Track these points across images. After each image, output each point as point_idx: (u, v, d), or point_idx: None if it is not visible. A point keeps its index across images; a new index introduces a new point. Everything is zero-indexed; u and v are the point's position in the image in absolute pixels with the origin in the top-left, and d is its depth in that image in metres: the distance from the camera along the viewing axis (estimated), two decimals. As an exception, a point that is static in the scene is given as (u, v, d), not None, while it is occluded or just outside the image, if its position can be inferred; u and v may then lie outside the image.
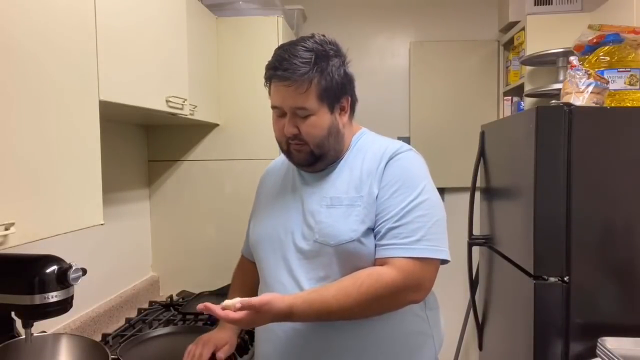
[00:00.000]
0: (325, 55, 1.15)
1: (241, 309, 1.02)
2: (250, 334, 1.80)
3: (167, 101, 1.59)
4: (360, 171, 1.19)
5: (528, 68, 2.59)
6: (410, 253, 1.10)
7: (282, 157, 1.34)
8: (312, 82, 1.13)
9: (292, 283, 1.18)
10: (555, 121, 1.57)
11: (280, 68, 1.13)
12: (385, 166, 1.17)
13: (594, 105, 1.63)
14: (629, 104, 1.69)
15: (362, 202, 1.15)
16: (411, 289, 1.11)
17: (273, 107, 1.19)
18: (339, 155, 1.23)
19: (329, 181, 1.22)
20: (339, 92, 1.18)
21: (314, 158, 1.18)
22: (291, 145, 1.18)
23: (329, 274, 1.15)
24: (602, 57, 1.73)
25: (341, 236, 1.12)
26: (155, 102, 1.53)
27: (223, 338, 1.34)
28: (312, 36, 1.18)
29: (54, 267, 1.06)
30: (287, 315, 1.06)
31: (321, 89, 1.14)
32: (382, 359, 1.16)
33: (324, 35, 1.20)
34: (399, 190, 1.14)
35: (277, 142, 1.23)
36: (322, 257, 1.15)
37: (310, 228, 1.17)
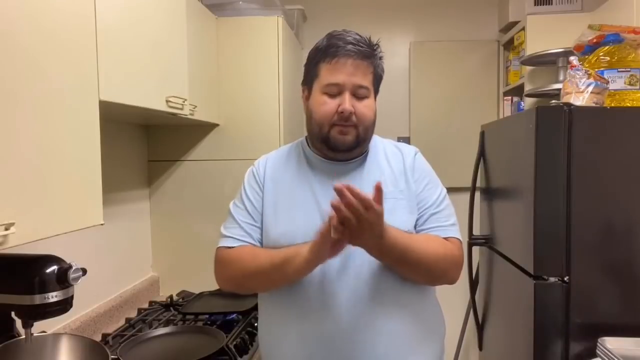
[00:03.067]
0: (376, 47, 1.22)
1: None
2: (250, 334, 1.80)
3: (167, 101, 1.59)
4: (391, 168, 1.25)
5: (528, 68, 2.59)
6: (454, 234, 1.24)
7: (280, 152, 1.34)
8: (373, 65, 1.19)
9: (337, 278, 1.15)
10: (555, 121, 1.57)
11: (352, 44, 1.15)
12: (413, 164, 1.26)
13: (594, 105, 1.63)
14: (629, 104, 1.69)
15: (404, 196, 1.22)
16: (460, 264, 1.24)
17: (329, 85, 1.16)
18: (366, 148, 1.26)
19: (362, 177, 1.22)
20: (379, 85, 1.26)
21: (356, 142, 1.19)
22: (335, 128, 1.16)
23: (373, 266, 1.15)
24: (602, 57, 1.73)
25: (399, 227, 1.12)
26: (155, 102, 1.54)
27: None
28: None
29: (54, 267, 1.06)
30: (383, 233, 1.04)
31: (375, 76, 1.21)
32: (411, 347, 1.19)
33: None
34: (429, 184, 1.25)
35: (317, 125, 1.18)
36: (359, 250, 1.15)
37: None
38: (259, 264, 1.15)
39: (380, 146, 1.29)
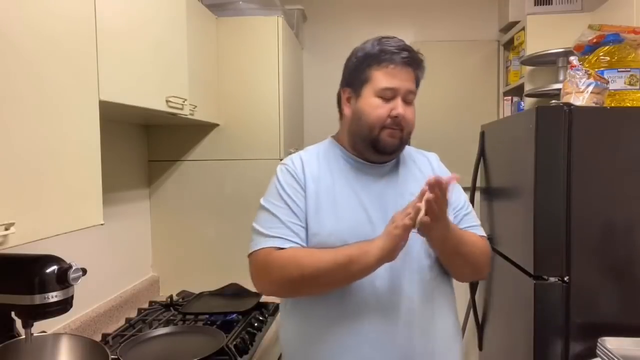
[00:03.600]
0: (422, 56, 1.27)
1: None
2: (250, 334, 1.80)
3: (167, 101, 1.59)
4: (421, 173, 1.30)
5: (528, 68, 2.59)
6: (484, 233, 1.31)
7: (312, 153, 1.32)
8: (418, 72, 1.24)
9: (389, 276, 1.17)
10: (555, 121, 1.57)
11: (406, 50, 1.20)
12: (439, 168, 1.34)
13: (594, 105, 1.63)
14: (629, 104, 1.69)
15: None
16: (490, 261, 1.30)
17: (385, 90, 1.19)
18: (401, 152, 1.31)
19: (397, 180, 1.27)
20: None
21: (400, 145, 1.24)
22: (386, 131, 1.20)
23: (422, 264, 1.20)
24: (602, 57, 1.73)
25: None
26: (155, 102, 1.54)
27: None
28: None
29: (54, 267, 1.06)
30: (448, 223, 1.12)
31: (418, 83, 1.26)
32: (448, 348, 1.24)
33: None
34: (454, 187, 1.28)
35: (368, 128, 1.20)
36: (413, 247, 1.18)
37: None
38: (321, 264, 1.12)
39: (405, 151, 1.32)
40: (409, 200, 1.13)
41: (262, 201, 1.26)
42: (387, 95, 1.19)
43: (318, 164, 1.27)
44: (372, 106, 1.20)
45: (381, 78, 1.19)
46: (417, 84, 1.25)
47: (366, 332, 1.16)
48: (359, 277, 1.12)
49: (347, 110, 1.27)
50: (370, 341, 1.15)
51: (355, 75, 1.24)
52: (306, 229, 1.21)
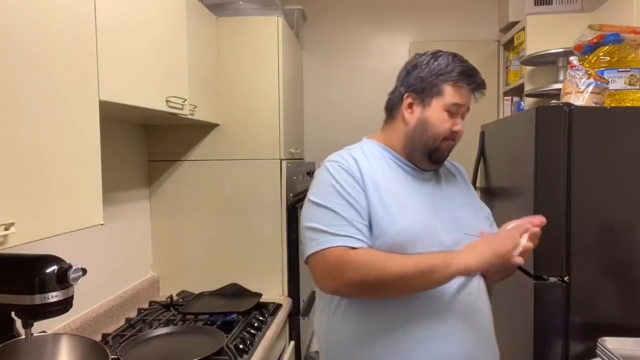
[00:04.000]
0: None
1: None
2: (250, 334, 1.80)
3: (167, 101, 1.59)
4: (456, 179, 1.39)
5: (528, 68, 2.59)
6: None
7: (360, 153, 1.29)
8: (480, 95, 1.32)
9: (461, 290, 1.22)
10: (555, 121, 1.57)
11: (479, 77, 1.28)
12: (466, 176, 1.45)
13: (594, 105, 1.63)
14: (629, 104, 1.69)
15: (478, 203, 1.41)
16: None
17: (454, 105, 1.25)
18: None
19: (442, 186, 1.33)
20: None
21: (447, 156, 1.32)
22: (444, 142, 1.27)
23: (477, 276, 1.27)
24: (602, 57, 1.73)
25: (483, 228, 1.25)
26: (155, 102, 1.53)
27: None
28: None
29: (54, 267, 1.06)
30: None
31: None
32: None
33: None
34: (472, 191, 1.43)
35: (432, 138, 1.25)
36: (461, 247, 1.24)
37: (455, 222, 1.26)
38: (402, 269, 1.11)
39: None
40: (460, 204, 1.29)
41: (314, 199, 1.21)
42: (453, 110, 1.25)
43: (369, 162, 1.26)
44: (441, 119, 1.25)
45: (453, 94, 1.25)
46: None
47: (437, 326, 1.18)
48: (434, 286, 1.15)
49: (408, 116, 1.28)
50: (441, 335, 1.18)
51: (425, 85, 1.26)
52: (369, 227, 1.19)
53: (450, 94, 1.24)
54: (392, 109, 1.33)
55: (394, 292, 1.16)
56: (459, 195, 1.34)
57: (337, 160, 1.26)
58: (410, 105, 1.28)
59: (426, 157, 1.27)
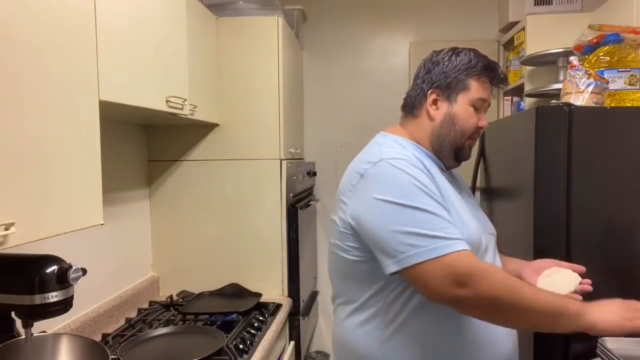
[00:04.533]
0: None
1: None
2: (252, 334, 1.80)
3: (167, 101, 1.59)
4: (456, 176, 1.37)
5: (528, 68, 2.58)
6: None
7: (410, 152, 1.20)
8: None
9: None
10: (555, 121, 1.56)
11: (502, 71, 1.29)
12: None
13: (594, 105, 1.63)
14: (629, 104, 1.69)
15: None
16: None
17: (480, 100, 1.24)
18: None
19: (459, 184, 1.33)
20: None
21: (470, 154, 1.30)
22: (468, 141, 1.26)
23: None
24: (602, 57, 1.73)
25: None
26: (155, 102, 1.54)
27: None
28: None
29: (54, 267, 1.06)
30: None
31: None
32: None
33: None
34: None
35: (461, 134, 1.24)
36: (493, 248, 1.28)
37: (480, 222, 1.26)
38: (535, 298, 1.04)
39: None
40: (474, 205, 1.31)
41: (402, 200, 1.07)
42: (478, 105, 1.24)
43: (422, 167, 1.18)
44: (469, 114, 1.24)
45: (478, 89, 1.24)
46: None
47: (496, 334, 1.18)
48: (554, 330, 1.12)
49: (434, 113, 1.25)
50: (501, 333, 1.19)
51: (450, 80, 1.24)
52: None
53: (475, 89, 1.24)
54: (413, 106, 1.29)
55: (515, 320, 1.09)
56: (469, 194, 1.36)
57: (404, 157, 1.14)
58: (434, 102, 1.25)
59: (452, 154, 1.26)
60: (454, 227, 1.08)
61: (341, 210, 1.19)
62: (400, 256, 1.05)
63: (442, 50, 1.31)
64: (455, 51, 1.29)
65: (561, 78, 2.29)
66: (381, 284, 1.15)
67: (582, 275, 1.30)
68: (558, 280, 1.27)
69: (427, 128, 1.26)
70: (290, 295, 2.32)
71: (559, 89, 1.83)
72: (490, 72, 1.25)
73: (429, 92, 1.25)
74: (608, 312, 1.06)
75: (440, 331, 1.14)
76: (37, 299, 1.04)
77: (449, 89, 1.24)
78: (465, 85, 1.23)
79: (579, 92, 1.64)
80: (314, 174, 2.97)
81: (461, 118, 1.23)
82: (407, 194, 1.08)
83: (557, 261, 1.29)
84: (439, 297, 1.05)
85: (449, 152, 1.25)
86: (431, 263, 1.03)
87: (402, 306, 1.14)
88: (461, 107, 1.23)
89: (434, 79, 1.26)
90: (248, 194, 2.31)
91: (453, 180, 1.30)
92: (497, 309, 1.04)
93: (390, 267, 1.07)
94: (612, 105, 1.69)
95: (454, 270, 1.02)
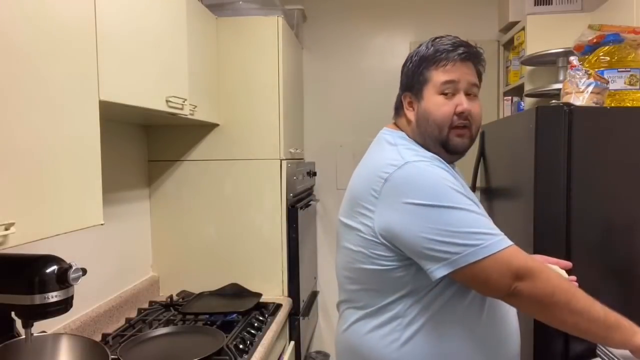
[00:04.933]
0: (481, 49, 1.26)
1: None
2: (252, 334, 1.80)
3: (167, 101, 1.59)
4: (460, 173, 1.29)
5: (528, 68, 2.59)
6: None
7: (428, 155, 1.17)
8: (479, 67, 1.22)
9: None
10: (555, 121, 1.57)
11: (462, 46, 1.18)
12: None
13: (594, 105, 1.63)
14: (629, 104, 1.69)
15: None
16: None
17: (445, 84, 1.16)
18: None
19: (462, 182, 1.22)
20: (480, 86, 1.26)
21: (470, 143, 1.21)
22: (453, 131, 1.17)
23: None
24: (602, 57, 1.73)
25: None
26: (155, 102, 1.53)
27: None
28: None
29: (54, 267, 1.06)
30: None
31: (480, 77, 1.23)
32: None
33: None
34: None
35: (437, 127, 1.17)
36: None
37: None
38: (590, 304, 1.06)
39: None
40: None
41: (438, 202, 1.05)
42: (449, 90, 1.16)
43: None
44: (437, 104, 1.17)
45: (439, 74, 1.17)
46: (480, 78, 1.22)
47: (512, 323, 1.21)
48: (603, 342, 1.13)
49: (411, 115, 1.22)
50: (511, 332, 1.21)
51: (414, 78, 1.21)
52: None
53: (436, 76, 1.17)
54: (398, 110, 1.28)
55: (566, 320, 1.07)
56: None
57: (430, 159, 1.13)
58: (410, 104, 1.24)
59: (443, 150, 1.19)
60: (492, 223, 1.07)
61: (364, 217, 1.13)
62: (453, 257, 1.03)
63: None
64: (417, 47, 1.24)
65: (561, 78, 2.30)
66: (408, 289, 1.12)
67: (570, 272, 1.30)
68: None
69: (413, 132, 1.23)
70: (290, 295, 2.32)
71: (559, 89, 1.83)
72: (446, 54, 1.16)
73: (403, 96, 1.25)
74: None
75: (456, 334, 1.13)
76: (37, 299, 1.04)
77: (414, 87, 1.22)
78: (426, 78, 1.19)
79: (579, 92, 1.64)
80: (314, 174, 2.97)
81: (431, 111, 1.17)
82: (443, 194, 1.06)
83: (546, 257, 1.28)
84: (499, 292, 1.06)
85: (437, 149, 1.19)
86: (489, 260, 1.02)
87: (421, 309, 1.12)
88: (430, 100, 1.18)
89: (403, 82, 1.26)
90: (248, 194, 2.31)
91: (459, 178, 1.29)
92: (552, 305, 1.04)
93: (439, 270, 1.04)
94: (612, 105, 1.69)
95: (512, 266, 1.03)
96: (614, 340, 1.08)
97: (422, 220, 1.05)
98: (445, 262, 1.03)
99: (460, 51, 1.17)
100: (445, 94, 1.17)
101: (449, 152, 1.19)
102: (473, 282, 1.07)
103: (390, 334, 1.13)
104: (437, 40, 1.21)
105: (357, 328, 1.19)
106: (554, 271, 1.11)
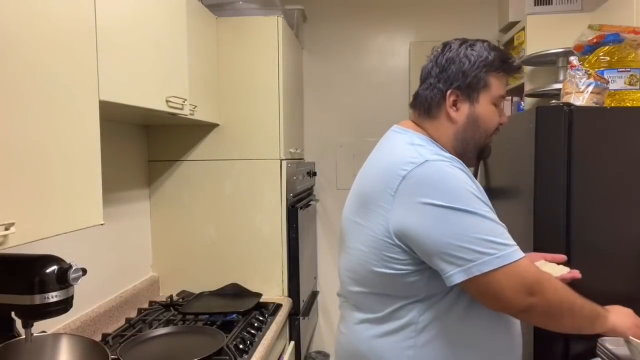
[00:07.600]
0: None
1: None
2: (252, 334, 1.80)
3: (167, 101, 1.59)
4: None
5: (528, 68, 2.58)
6: None
7: (448, 156, 1.13)
8: None
9: None
10: (555, 121, 1.57)
11: (514, 59, 1.23)
12: None
13: (594, 105, 1.63)
14: (629, 104, 1.69)
15: None
16: None
17: (501, 98, 1.21)
18: None
19: None
20: None
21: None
22: (489, 138, 1.24)
23: None
24: (602, 57, 1.73)
25: None
26: (155, 102, 1.53)
27: None
28: None
29: (54, 267, 1.06)
30: None
31: None
32: None
33: None
34: None
35: (484, 135, 1.21)
36: None
37: None
38: (581, 302, 1.09)
39: None
40: None
41: (457, 205, 1.02)
42: (499, 103, 1.21)
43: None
44: (492, 113, 1.21)
45: (499, 86, 1.19)
46: None
47: (518, 329, 1.22)
48: (587, 332, 1.14)
49: (455, 115, 1.17)
50: (517, 333, 1.21)
51: (471, 79, 1.16)
52: None
53: (496, 86, 1.18)
54: (430, 107, 1.19)
55: (566, 323, 1.10)
56: None
57: (443, 159, 1.08)
58: (454, 103, 1.17)
59: (476, 155, 1.20)
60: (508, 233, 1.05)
61: (378, 215, 1.08)
62: (468, 265, 0.99)
63: (450, 44, 1.20)
64: (467, 44, 1.18)
65: (561, 78, 2.29)
66: (421, 296, 1.09)
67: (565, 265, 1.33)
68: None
69: (448, 131, 1.18)
70: (290, 295, 2.32)
71: (559, 89, 1.83)
72: (508, 66, 1.20)
73: (448, 93, 1.17)
74: (623, 317, 1.16)
75: (469, 343, 1.12)
76: (37, 299, 1.04)
77: (469, 88, 1.16)
78: (486, 83, 1.17)
79: (579, 92, 1.64)
80: (314, 174, 2.97)
81: (485, 118, 1.18)
82: (463, 198, 1.02)
83: (542, 254, 1.29)
84: (510, 307, 1.03)
85: (473, 153, 1.20)
86: (502, 271, 0.99)
87: (435, 317, 1.09)
88: (484, 107, 1.18)
89: (452, 78, 1.16)
90: (248, 194, 2.31)
91: None
92: (560, 314, 1.06)
93: (456, 276, 1.00)
94: (612, 105, 1.69)
95: (524, 280, 1.00)
96: (596, 328, 1.13)
97: (439, 222, 1.01)
98: (462, 269, 1.00)
99: (517, 66, 1.22)
100: (495, 105, 1.21)
101: (480, 157, 1.24)
102: (484, 294, 1.03)
103: (404, 341, 1.10)
104: (492, 45, 1.20)
105: (362, 331, 1.16)
106: (555, 280, 1.11)
